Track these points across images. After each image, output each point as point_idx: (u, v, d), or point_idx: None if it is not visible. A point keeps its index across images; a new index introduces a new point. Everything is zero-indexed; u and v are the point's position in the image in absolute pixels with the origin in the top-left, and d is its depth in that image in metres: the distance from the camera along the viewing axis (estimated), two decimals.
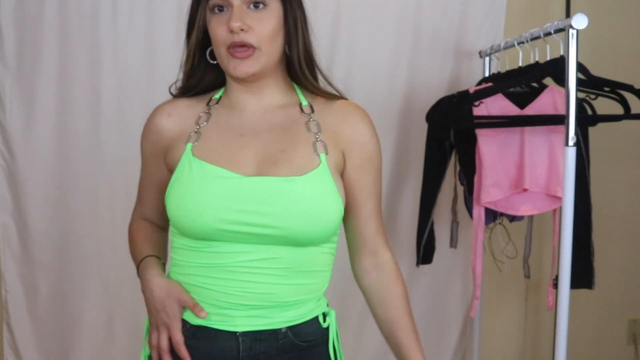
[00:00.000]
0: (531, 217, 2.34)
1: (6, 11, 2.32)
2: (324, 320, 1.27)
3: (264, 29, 1.19)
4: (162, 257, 1.31)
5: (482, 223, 2.15)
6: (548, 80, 2.13)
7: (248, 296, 1.19)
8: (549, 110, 2.11)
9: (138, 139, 1.34)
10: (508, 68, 2.28)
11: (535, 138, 2.10)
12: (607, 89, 2.13)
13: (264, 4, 1.19)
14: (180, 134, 1.26)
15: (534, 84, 2.17)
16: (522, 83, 2.12)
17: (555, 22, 1.95)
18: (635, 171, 2.73)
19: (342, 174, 1.26)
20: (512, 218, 2.29)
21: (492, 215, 2.24)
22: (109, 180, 2.40)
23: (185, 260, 1.23)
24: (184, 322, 1.22)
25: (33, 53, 2.35)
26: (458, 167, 2.33)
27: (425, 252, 2.35)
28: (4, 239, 2.42)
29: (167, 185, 1.24)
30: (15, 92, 2.36)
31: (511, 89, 2.13)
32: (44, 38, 2.34)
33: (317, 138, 1.23)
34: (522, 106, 2.13)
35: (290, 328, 1.22)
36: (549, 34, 1.99)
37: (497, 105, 2.12)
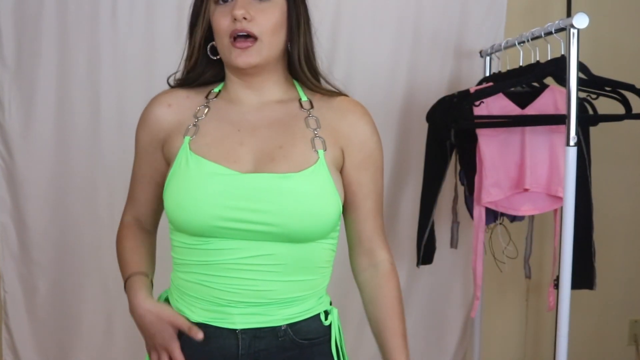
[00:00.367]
0: (532, 217, 2.33)
1: (5, 11, 2.32)
2: (326, 318, 1.27)
3: (267, 20, 1.19)
4: (150, 271, 1.29)
5: (482, 223, 2.14)
6: (549, 80, 2.13)
7: (246, 293, 1.19)
8: (550, 110, 2.11)
9: None
10: (509, 68, 2.28)
11: (536, 138, 2.09)
12: (608, 88, 2.12)
13: None
14: (178, 125, 1.25)
15: (535, 84, 2.16)
16: (522, 83, 2.11)
17: (556, 22, 1.95)
18: (637, 171, 2.72)
19: (341, 171, 1.25)
20: (513, 218, 2.29)
21: (492, 216, 2.24)
22: (108, 181, 2.39)
23: (184, 258, 1.23)
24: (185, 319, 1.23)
25: (32, 53, 2.34)
26: (458, 167, 2.32)
27: (425, 253, 2.35)
28: (3, 239, 2.41)
29: (163, 178, 1.25)
30: (14, 92, 2.35)
31: (512, 89, 2.12)
32: (43, 38, 2.33)
33: (315, 134, 1.23)
34: (522, 106, 2.12)
35: (290, 325, 1.22)
36: (549, 33, 1.98)
37: (498, 105, 2.12)
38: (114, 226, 2.34)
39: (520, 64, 2.16)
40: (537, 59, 2.12)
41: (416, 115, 2.46)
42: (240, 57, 1.19)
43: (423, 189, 2.35)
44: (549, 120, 2.06)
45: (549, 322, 2.64)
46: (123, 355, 2.46)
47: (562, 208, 1.91)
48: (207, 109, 1.26)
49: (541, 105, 2.12)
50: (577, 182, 1.87)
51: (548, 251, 2.60)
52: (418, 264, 2.36)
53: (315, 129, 1.24)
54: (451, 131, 2.19)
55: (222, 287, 1.19)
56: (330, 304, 1.31)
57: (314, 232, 1.19)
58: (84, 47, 2.35)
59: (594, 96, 2.11)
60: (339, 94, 1.30)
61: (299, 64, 1.25)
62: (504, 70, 2.31)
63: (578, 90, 1.87)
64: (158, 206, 1.33)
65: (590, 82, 2.07)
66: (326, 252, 1.25)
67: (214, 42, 1.24)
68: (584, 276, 2.09)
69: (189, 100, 1.27)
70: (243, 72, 1.23)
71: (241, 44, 1.19)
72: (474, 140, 2.11)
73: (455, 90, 2.29)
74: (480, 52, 2.48)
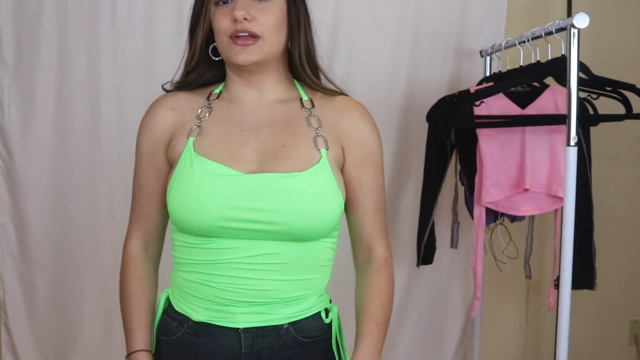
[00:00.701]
0: (532, 218, 2.33)
1: (5, 11, 2.32)
2: (326, 316, 1.28)
3: (267, 19, 1.20)
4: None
5: (482, 223, 2.14)
6: (549, 80, 2.12)
7: (248, 293, 1.20)
8: (550, 110, 2.10)
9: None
10: (509, 67, 2.28)
11: (537, 138, 2.09)
12: (608, 88, 2.12)
13: None
14: (181, 127, 1.26)
15: (535, 84, 2.16)
16: (523, 82, 2.11)
17: (557, 21, 1.94)
18: (637, 171, 2.72)
19: (342, 169, 1.26)
20: (513, 218, 2.28)
21: (492, 216, 2.24)
22: (107, 181, 2.39)
23: (186, 257, 1.24)
24: (186, 319, 1.24)
25: (32, 53, 2.34)
26: (459, 167, 2.32)
27: (425, 253, 2.34)
28: (2, 239, 2.41)
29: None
30: (13, 92, 2.35)
31: (512, 89, 2.12)
32: (42, 38, 2.33)
33: (317, 133, 1.24)
34: (523, 106, 2.12)
35: (292, 324, 1.23)
36: (550, 33, 1.98)
37: (498, 104, 2.11)
38: (113, 226, 2.39)
39: (521, 64, 2.16)
40: (538, 58, 2.12)
41: (416, 115, 2.46)
42: (240, 54, 1.20)
43: (423, 189, 2.35)
44: (549, 120, 2.06)
45: (549, 322, 2.63)
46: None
47: (562, 208, 1.91)
48: (209, 110, 1.26)
49: (541, 105, 2.12)
50: (578, 182, 1.87)
51: (548, 251, 2.59)
52: (418, 264, 2.36)
53: (317, 128, 1.25)
54: (451, 131, 2.19)
55: (224, 286, 1.20)
56: (330, 302, 1.33)
57: (317, 231, 1.20)
58: (84, 47, 2.35)
59: (594, 96, 2.10)
60: (340, 93, 1.31)
61: (300, 62, 1.26)
62: (504, 70, 2.31)
63: (578, 90, 1.87)
64: (164, 217, 1.31)
65: (591, 82, 2.07)
66: (327, 250, 1.26)
67: (215, 44, 1.25)
68: (584, 276, 2.08)
69: (190, 103, 1.28)
70: (243, 70, 1.24)
71: (242, 41, 1.19)
72: (474, 140, 2.11)
73: (455, 90, 2.28)
74: (481, 52, 2.47)
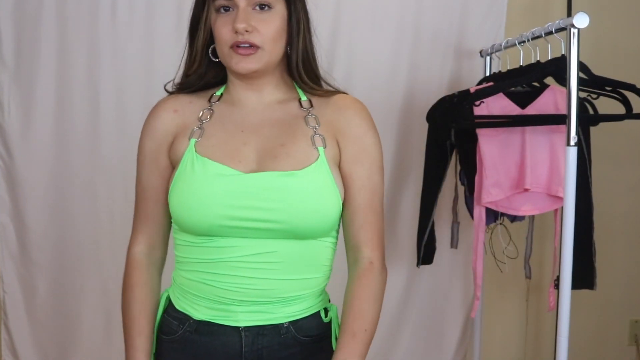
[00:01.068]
0: (532, 217, 2.33)
1: (5, 11, 2.32)
2: (326, 315, 1.29)
3: (268, 30, 1.21)
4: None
5: (482, 223, 2.14)
6: (549, 80, 2.12)
7: (250, 292, 1.21)
8: (550, 110, 2.10)
9: (137, 139, 1.32)
10: (509, 67, 2.28)
11: (537, 138, 2.09)
12: (608, 88, 2.12)
13: (269, 6, 1.21)
14: (184, 128, 1.27)
15: (535, 84, 2.16)
16: (523, 82, 2.11)
17: (557, 21, 1.94)
18: (637, 171, 2.72)
19: (338, 165, 1.26)
20: (513, 218, 2.28)
21: (493, 216, 2.24)
22: (107, 181, 2.39)
23: (188, 256, 1.25)
24: (187, 317, 1.24)
25: (31, 53, 2.34)
26: (459, 167, 2.32)
27: (425, 253, 2.34)
28: (2, 239, 2.41)
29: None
30: (13, 92, 2.35)
31: (512, 89, 2.12)
32: (42, 38, 2.33)
33: (315, 131, 1.25)
34: (523, 106, 2.12)
35: (292, 323, 1.24)
36: (550, 33, 1.98)
37: (498, 104, 2.11)
38: (113, 226, 2.39)
39: (521, 64, 2.16)
40: (538, 58, 2.12)
41: (416, 115, 2.46)
42: (240, 63, 1.21)
43: (423, 189, 2.35)
44: (549, 120, 2.06)
45: (549, 322, 2.63)
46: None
47: (562, 208, 1.90)
48: (210, 112, 1.28)
49: (541, 105, 2.12)
50: (578, 182, 1.87)
51: (548, 251, 2.59)
52: (418, 264, 2.36)
53: (314, 127, 1.25)
54: (451, 131, 2.18)
55: (225, 286, 1.21)
56: (329, 302, 1.34)
57: (317, 229, 1.21)
58: (84, 47, 2.35)
59: (594, 96, 2.10)
60: (337, 92, 1.31)
61: (297, 68, 1.27)
62: (504, 70, 2.31)
63: (578, 90, 1.87)
64: (169, 220, 1.31)
65: (591, 81, 2.07)
66: (327, 250, 1.27)
67: (215, 45, 1.25)
68: (584, 276, 2.08)
69: (192, 105, 1.29)
70: (244, 76, 1.25)
71: (243, 50, 1.20)
72: (474, 140, 2.11)
73: (455, 90, 2.28)
74: (481, 52, 2.47)
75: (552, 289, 2.14)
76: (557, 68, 2.00)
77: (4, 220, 2.41)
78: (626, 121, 2.12)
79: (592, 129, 2.15)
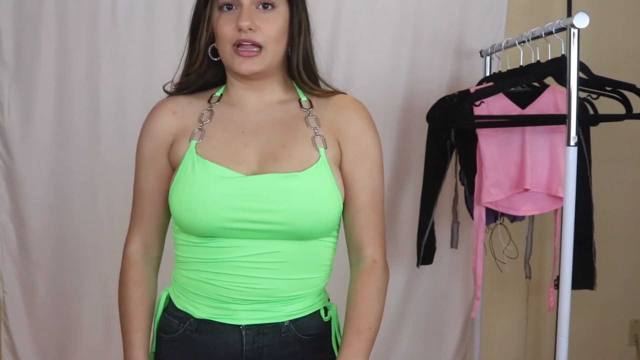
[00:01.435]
0: (532, 218, 2.33)
1: (4, 10, 2.32)
2: (325, 314, 1.29)
3: (271, 29, 1.21)
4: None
5: (482, 223, 2.14)
6: (549, 80, 2.12)
7: (251, 291, 1.21)
8: (550, 110, 2.10)
9: (137, 139, 1.32)
10: (509, 67, 2.27)
11: (537, 138, 2.09)
12: (608, 88, 2.12)
13: (273, 5, 1.22)
14: (184, 130, 1.27)
15: (535, 84, 2.16)
16: (523, 82, 2.11)
17: (557, 21, 1.94)
18: (637, 171, 2.72)
19: (339, 166, 1.26)
20: (513, 218, 2.28)
21: (493, 216, 2.24)
22: (107, 181, 2.39)
23: (189, 256, 1.25)
24: (188, 316, 1.25)
25: (31, 53, 2.34)
26: (459, 167, 2.32)
27: (425, 253, 2.34)
28: (2, 239, 2.41)
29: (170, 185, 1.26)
30: (13, 92, 2.35)
31: (512, 89, 2.12)
32: (42, 38, 2.33)
33: (316, 132, 1.25)
34: (523, 106, 2.12)
35: (293, 322, 1.25)
36: (550, 33, 1.98)
37: (498, 104, 2.11)
38: (113, 226, 2.39)
39: (521, 64, 2.16)
40: (538, 58, 2.12)
41: (416, 115, 2.46)
42: (242, 64, 1.21)
43: (423, 189, 2.35)
44: (550, 120, 2.06)
45: (549, 322, 2.63)
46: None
47: (562, 208, 1.90)
48: (211, 114, 1.28)
49: (541, 105, 2.12)
50: (578, 182, 1.87)
51: (548, 251, 2.59)
52: (418, 264, 2.36)
53: (315, 128, 1.25)
54: (451, 131, 2.19)
55: (227, 284, 1.21)
56: (329, 301, 1.34)
57: (318, 229, 1.21)
58: (84, 47, 2.35)
59: (594, 96, 2.10)
60: (336, 92, 1.31)
61: (297, 69, 1.27)
62: (504, 70, 2.31)
63: (578, 90, 1.87)
64: (165, 221, 1.32)
65: (591, 81, 2.06)
66: (328, 250, 1.28)
67: (215, 44, 1.25)
68: (584, 276, 2.08)
69: (192, 107, 1.29)
70: (244, 77, 1.25)
71: (245, 52, 1.20)
72: (474, 140, 2.11)
73: (455, 90, 2.28)
74: (481, 52, 2.47)
75: (552, 289, 2.14)
76: (557, 68, 2.00)
77: (4, 220, 2.41)
78: (626, 121, 2.12)
79: (592, 129, 2.15)
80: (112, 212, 2.39)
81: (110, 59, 2.36)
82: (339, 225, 1.29)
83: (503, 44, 2.29)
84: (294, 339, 1.25)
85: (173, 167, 1.27)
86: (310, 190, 1.19)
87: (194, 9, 1.27)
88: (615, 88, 2.12)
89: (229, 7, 1.22)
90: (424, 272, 2.55)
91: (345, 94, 1.32)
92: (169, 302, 1.31)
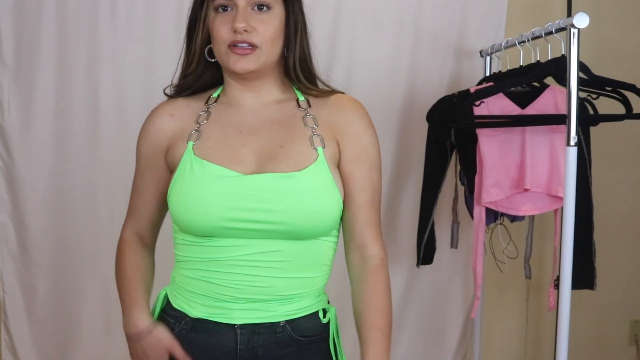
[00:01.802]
0: (532, 217, 2.33)
1: (4, 10, 2.32)
2: (324, 316, 1.28)
3: (266, 30, 1.21)
4: (149, 292, 1.32)
5: (482, 223, 2.14)
6: (549, 80, 2.12)
7: (246, 289, 1.21)
8: (550, 110, 2.10)
9: (137, 139, 1.33)
10: (509, 67, 2.27)
11: (537, 138, 2.09)
12: (608, 88, 2.12)
13: (268, 7, 1.22)
14: (181, 132, 1.27)
15: (535, 84, 2.16)
16: (523, 82, 2.11)
17: (557, 21, 1.94)
18: (637, 171, 2.72)
19: (338, 165, 1.27)
20: (513, 218, 2.28)
21: (492, 216, 2.24)
22: (107, 181, 2.39)
23: (188, 255, 1.25)
24: (184, 315, 1.25)
25: (31, 52, 2.34)
26: (459, 167, 2.32)
27: (425, 253, 2.34)
28: (2, 239, 2.41)
29: (167, 186, 1.27)
30: (13, 92, 2.35)
31: (512, 89, 2.12)
32: (42, 37, 2.33)
33: (313, 132, 1.25)
34: (523, 106, 2.12)
35: (289, 322, 1.24)
36: (550, 33, 1.98)
37: (498, 104, 2.11)
38: (113, 227, 2.38)
39: (521, 64, 2.16)
40: (538, 58, 2.12)
41: (416, 115, 2.46)
42: (238, 62, 1.21)
43: (423, 189, 2.35)
44: (549, 120, 2.06)
45: (549, 322, 2.63)
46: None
47: (562, 208, 1.90)
48: (208, 114, 1.28)
49: (541, 105, 2.12)
50: (578, 182, 1.87)
51: (548, 251, 2.59)
52: (418, 264, 2.36)
53: (313, 127, 1.26)
54: (451, 131, 2.19)
55: (223, 282, 1.21)
56: (328, 303, 1.33)
57: (317, 229, 1.21)
58: (84, 47, 2.35)
59: (594, 96, 2.10)
60: (334, 92, 1.31)
61: (294, 70, 1.27)
62: (504, 70, 2.31)
63: (578, 90, 1.87)
64: (158, 217, 1.35)
65: (591, 81, 2.07)
66: (328, 249, 1.27)
67: (211, 45, 1.25)
68: (584, 276, 2.08)
69: (189, 109, 1.30)
70: (241, 77, 1.25)
71: (240, 50, 1.20)
72: (474, 140, 2.11)
73: (455, 90, 2.28)
74: (481, 52, 2.47)
75: (552, 289, 2.14)
76: (557, 68, 2.00)
77: (4, 220, 2.41)
78: (626, 121, 2.12)
79: (592, 129, 2.15)
80: (112, 212, 2.39)
81: (110, 58, 2.36)
82: (339, 224, 1.29)
83: (503, 44, 2.29)
84: (289, 339, 1.24)
85: (171, 169, 1.28)
86: (308, 190, 1.19)
87: (190, 10, 1.28)
88: (615, 88, 2.12)
89: (225, 8, 1.22)
90: (424, 272, 2.55)
91: (343, 93, 1.32)
92: (167, 302, 1.31)
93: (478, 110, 2.09)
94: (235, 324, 1.22)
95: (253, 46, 1.20)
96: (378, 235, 1.30)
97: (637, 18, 2.68)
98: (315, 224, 1.20)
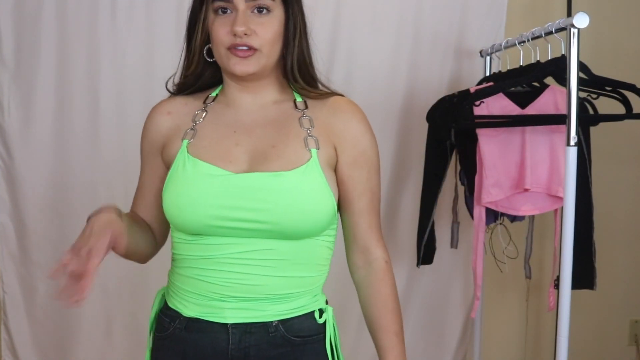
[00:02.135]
0: (532, 217, 2.33)
1: (4, 10, 2.32)
2: (320, 317, 1.27)
3: (266, 33, 1.21)
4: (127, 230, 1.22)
5: (482, 223, 2.14)
6: (549, 80, 2.12)
7: (238, 287, 1.20)
8: (550, 110, 2.10)
9: (137, 139, 1.34)
10: (509, 67, 2.28)
11: (537, 138, 2.09)
12: (608, 88, 2.12)
13: (268, 10, 1.21)
14: (177, 130, 1.28)
15: (535, 84, 2.16)
16: (523, 82, 2.11)
17: (557, 21, 1.94)
18: (637, 171, 2.72)
19: (335, 169, 1.26)
20: (513, 218, 2.28)
21: (492, 216, 2.24)
22: (107, 181, 2.39)
23: (182, 253, 1.26)
24: (178, 314, 1.25)
25: (31, 52, 2.34)
26: (459, 167, 2.32)
27: (425, 253, 2.34)
28: (2, 239, 2.41)
29: (164, 183, 1.26)
30: (13, 92, 2.35)
31: (512, 89, 2.12)
32: (42, 37, 2.33)
33: (308, 133, 1.25)
34: (523, 106, 2.12)
35: (282, 322, 1.23)
36: (550, 33, 1.98)
37: (498, 104, 2.11)
38: None
39: (521, 64, 2.16)
40: (538, 58, 2.12)
41: (416, 115, 2.45)
42: (237, 65, 1.21)
43: (423, 189, 2.35)
44: (549, 120, 2.06)
45: (549, 323, 2.63)
46: (122, 356, 2.45)
47: (562, 208, 1.90)
48: (204, 113, 1.28)
49: (541, 105, 2.12)
50: (578, 182, 1.87)
51: (548, 251, 2.59)
52: (418, 264, 2.36)
53: (308, 129, 1.25)
54: (451, 131, 2.19)
55: (216, 280, 1.21)
56: (326, 303, 1.32)
57: (306, 229, 1.20)
58: (84, 47, 2.35)
59: (594, 96, 2.10)
60: (333, 93, 1.31)
61: (292, 71, 1.27)
62: (504, 70, 2.31)
63: (578, 90, 1.87)
64: (157, 214, 1.33)
65: (591, 81, 2.07)
66: (323, 249, 1.27)
67: (210, 45, 1.25)
68: (584, 276, 2.08)
69: (187, 107, 1.30)
70: (240, 78, 1.25)
71: (240, 52, 1.20)
72: (474, 140, 2.11)
73: (455, 90, 2.28)
74: (481, 52, 2.47)
75: (552, 289, 2.14)
76: (557, 68, 2.00)
77: (4, 220, 2.41)
78: (626, 121, 2.12)
79: (592, 129, 2.15)
80: None
81: (110, 58, 2.36)
82: (336, 225, 1.28)
83: (503, 44, 2.29)
84: (282, 339, 1.22)
85: (167, 167, 1.28)
86: (297, 190, 1.18)
87: (189, 11, 1.27)
88: (615, 88, 2.12)
89: (224, 10, 1.21)
90: (424, 272, 2.55)
91: (341, 95, 1.32)
92: (164, 303, 1.31)
93: (478, 110, 2.09)
94: (228, 324, 1.21)
95: (253, 49, 1.20)
96: (380, 238, 1.31)
97: (637, 18, 2.68)
98: (304, 224, 1.19)
